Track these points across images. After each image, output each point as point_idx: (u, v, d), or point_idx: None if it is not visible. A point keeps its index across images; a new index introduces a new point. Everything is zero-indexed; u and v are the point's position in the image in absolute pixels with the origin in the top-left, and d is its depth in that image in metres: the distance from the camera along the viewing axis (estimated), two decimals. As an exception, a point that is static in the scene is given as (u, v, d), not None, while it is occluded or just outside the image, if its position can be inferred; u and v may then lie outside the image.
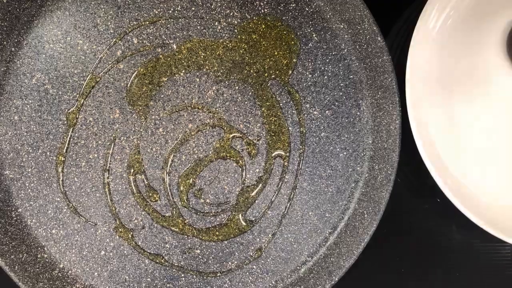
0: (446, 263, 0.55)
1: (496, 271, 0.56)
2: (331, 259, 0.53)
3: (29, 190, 0.52)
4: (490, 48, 0.50)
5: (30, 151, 0.52)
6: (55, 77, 0.53)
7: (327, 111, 0.54)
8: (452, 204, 0.50)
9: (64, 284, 0.52)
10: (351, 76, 0.54)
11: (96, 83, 0.54)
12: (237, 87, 0.53)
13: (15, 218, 0.52)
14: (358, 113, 0.54)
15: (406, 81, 0.50)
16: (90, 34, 0.53)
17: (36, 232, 0.52)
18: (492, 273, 0.55)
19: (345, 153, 0.54)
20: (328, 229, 0.54)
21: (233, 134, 0.53)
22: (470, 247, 0.57)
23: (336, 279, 0.51)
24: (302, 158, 0.54)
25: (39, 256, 0.52)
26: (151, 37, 0.53)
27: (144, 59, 0.53)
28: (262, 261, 0.53)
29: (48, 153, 0.52)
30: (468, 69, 0.51)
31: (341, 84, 0.54)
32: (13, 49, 0.52)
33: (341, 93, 0.54)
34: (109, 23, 0.54)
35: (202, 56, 0.54)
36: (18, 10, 0.51)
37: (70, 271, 0.52)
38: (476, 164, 0.51)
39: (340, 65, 0.54)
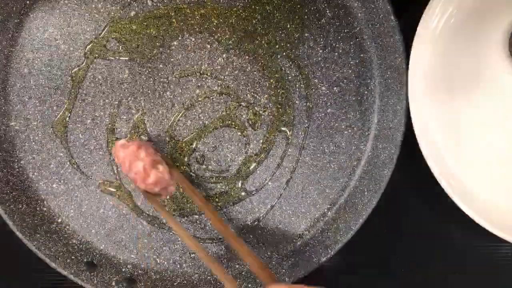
0: (446, 263, 0.54)
1: (496, 271, 0.54)
2: (328, 233, 0.50)
3: (33, 143, 0.49)
4: (492, 47, 0.50)
5: (37, 104, 0.49)
6: (67, 33, 0.50)
7: (335, 88, 0.51)
8: (452, 204, 0.48)
9: (61, 238, 0.49)
10: (362, 55, 0.51)
11: (107, 41, 0.51)
12: (247, 57, 0.50)
13: (17, 169, 0.49)
14: (366, 92, 0.51)
15: (408, 80, 0.48)
16: (105, -6, 0.50)
17: (37, 185, 0.49)
18: (492, 273, 0.54)
19: (349, 130, 0.51)
20: (327, 205, 0.51)
21: (239, 103, 0.51)
22: (470, 247, 0.54)
23: (332, 253, 0.48)
24: (306, 132, 0.51)
25: (38, 209, 0.49)
26: (165, 0, 0.50)
27: (157, 22, 0.50)
28: (259, 231, 0.51)
29: (54, 107, 0.49)
30: (470, 69, 0.50)
31: (351, 62, 0.51)
32: (27, 1, 0.49)
33: (350, 71, 0.51)
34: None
35: (214, 23, 0.50)
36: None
37: (67, 226, 0.49)
38: (478, 163, 0.51)
39: (351, 42, 0.51)
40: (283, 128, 0.51)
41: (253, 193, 0.51)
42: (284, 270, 0.50)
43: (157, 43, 0.51)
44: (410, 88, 0.49)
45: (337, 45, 0.52)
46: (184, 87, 0.51)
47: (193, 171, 0.51)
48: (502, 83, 0.50)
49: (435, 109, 0.50)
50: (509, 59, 0.49)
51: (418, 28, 0.48)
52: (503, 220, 0.49)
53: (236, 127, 0.51)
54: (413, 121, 0.49)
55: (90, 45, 0.51)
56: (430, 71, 0.49)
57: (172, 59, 0.51)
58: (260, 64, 0.51)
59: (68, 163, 0.50)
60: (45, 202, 0.50)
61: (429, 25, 0.49)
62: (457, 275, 0.55)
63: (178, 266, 0.50)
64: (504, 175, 0.51)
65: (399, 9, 0.49)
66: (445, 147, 0.50)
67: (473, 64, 0.50)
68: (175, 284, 0.50)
